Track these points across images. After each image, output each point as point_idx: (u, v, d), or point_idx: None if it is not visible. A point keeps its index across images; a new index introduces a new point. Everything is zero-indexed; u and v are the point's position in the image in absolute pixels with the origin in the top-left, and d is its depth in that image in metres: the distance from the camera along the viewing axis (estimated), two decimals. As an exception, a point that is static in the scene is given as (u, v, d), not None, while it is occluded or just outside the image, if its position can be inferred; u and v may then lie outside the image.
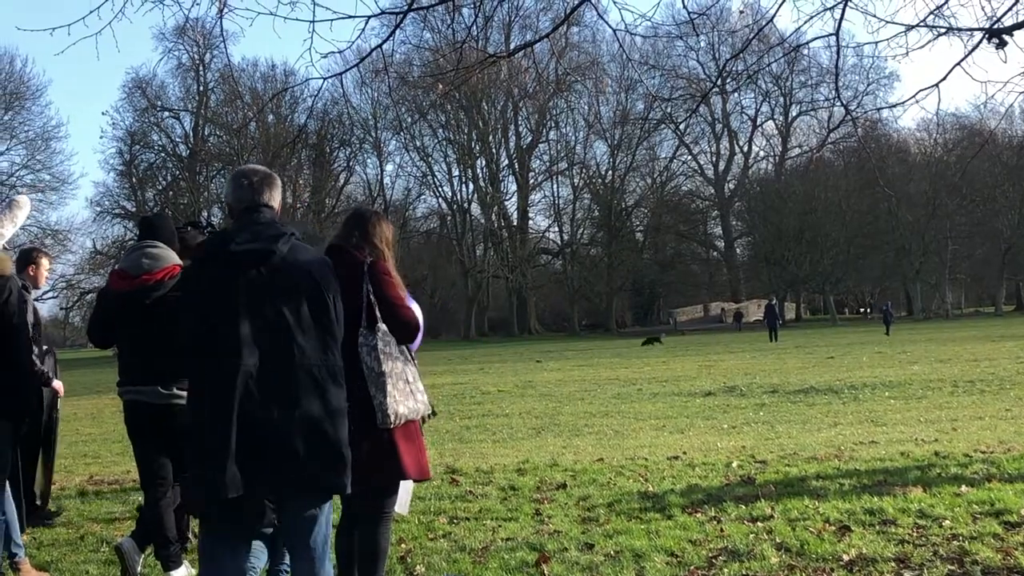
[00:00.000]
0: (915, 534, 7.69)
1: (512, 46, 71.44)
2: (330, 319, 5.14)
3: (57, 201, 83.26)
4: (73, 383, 39.77)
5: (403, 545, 8.15)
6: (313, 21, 9.34)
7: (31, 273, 9.15)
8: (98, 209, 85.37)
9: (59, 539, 9.27)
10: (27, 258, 9.44)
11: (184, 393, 7.39)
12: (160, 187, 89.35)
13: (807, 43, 12.86)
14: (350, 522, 6.36)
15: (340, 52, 10.04)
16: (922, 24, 10.63)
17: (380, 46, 9.82)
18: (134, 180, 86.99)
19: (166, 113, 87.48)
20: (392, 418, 5.87)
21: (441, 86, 12.48)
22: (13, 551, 7.87)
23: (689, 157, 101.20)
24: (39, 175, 78.42)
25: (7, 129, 77.73)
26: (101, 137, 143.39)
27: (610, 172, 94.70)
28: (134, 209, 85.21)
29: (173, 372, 7.49)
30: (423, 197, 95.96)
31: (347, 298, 5.98)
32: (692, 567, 7.13)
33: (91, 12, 8.71)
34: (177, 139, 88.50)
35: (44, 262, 9.46)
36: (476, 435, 16.25)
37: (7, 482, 7.61)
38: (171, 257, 7.72)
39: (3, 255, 7.55)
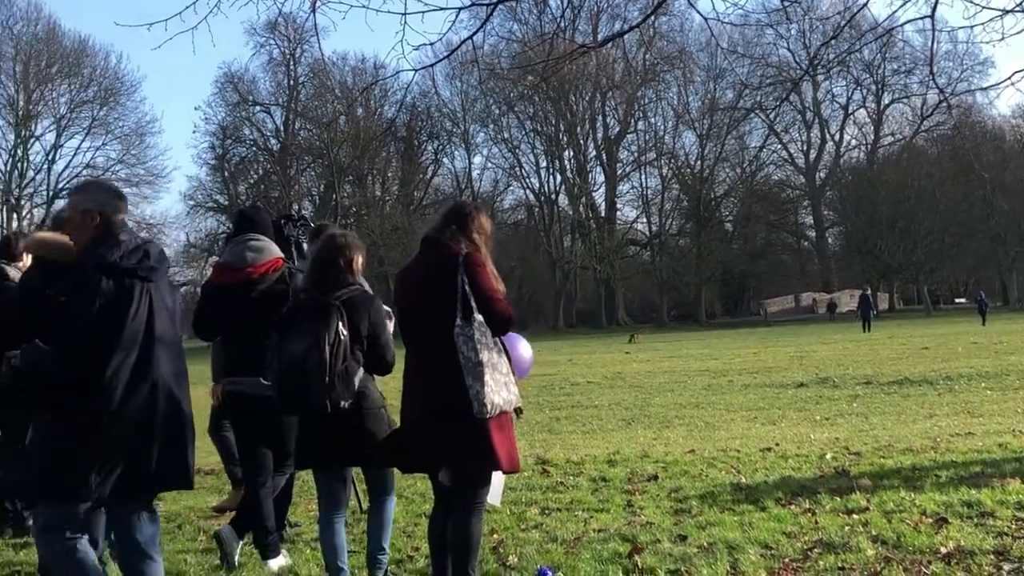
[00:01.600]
0: (1014, 527, 7.57)
1: (600, 36, 71.28)
2: None
3: (151, 195, 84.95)
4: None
5: (495, 535, 8.19)
6: (405, 14, 9.42)
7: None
8: (191, 203, 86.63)
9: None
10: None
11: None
12: (251, 181, 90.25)
13: (901, 25, 12.71)
14: (443, 512, 6.41)
15: (431, 44, 10.09)
16: (1019, 8, 10.45)
17: (471, 37, 9.86)
18: (226, 174, 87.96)
19: (257, 108, 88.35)
20: (488, 408, 5.89)
21: (530, 77, 12.50)
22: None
23: (779, 146, 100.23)
24: (134, 170, 79.68)
25: (103, 124, 79.06)
26: (194, 132, 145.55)
27: (699, 162, 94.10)
28: (226, 203, 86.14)
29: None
30: (511, 189, 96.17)
31: (441, 289, 6.04)
32: (787, 559, 7.08)
33: (187, 7, 8.84)
34: (268, 133, 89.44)
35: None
36: (566, 426, 16.27)
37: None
38: (274, 250, 7.81)
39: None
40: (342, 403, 6.39)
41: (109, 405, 5.24)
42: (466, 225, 6.29)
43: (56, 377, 5.31)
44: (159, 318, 5.39)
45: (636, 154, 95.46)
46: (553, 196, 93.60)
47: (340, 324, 6.43)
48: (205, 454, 13.39)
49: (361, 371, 6.52)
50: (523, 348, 7.78)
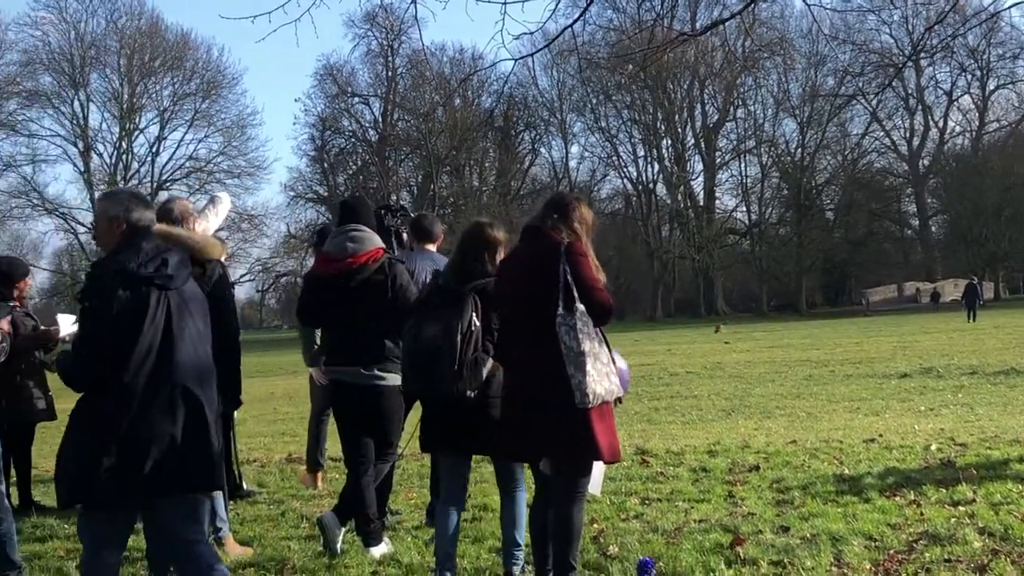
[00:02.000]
0: None
1: (700, 24, 70.75)
2: None
3: (252, 186, 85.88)
4: (270, 364, 40.82)
5: (595, 525, 8.19)
6: (505, 2, 9.44)
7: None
8: (291, 194, 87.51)
9: (261, 515, 9.55)
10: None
11: (386, 374, 7.61)
12: (350, 171, 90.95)
13: (1007, 8, 12.51)
14: (544, 501, 6.43)
15: (531, 33, 10.10)
16: None
17: (571, 26, 9.85)
18: (325, 165, 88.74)
19: (356, 99, 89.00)
20: (590, 398, 5.90)
21: (629, 66, 12.47)
22: (218, 526, 8.13)
23: (881, 133, 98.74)
24: (235, 161, 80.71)
25: (205, 117, 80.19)
26: (294, 123, 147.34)
27: (799, 150, 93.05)
28: (326, 194, 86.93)
29: (375, 353, 7.67)
30: (608, 178, 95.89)
31: (541, 278, 6.05)
32: (891, 551, 7.00)
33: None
34: (367, 124, 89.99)
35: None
36: (665, 416, 16.21)
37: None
38: (375, 240, 7.88)
39: (214, 240, 7.80)
40: (468, 392, 6.46)
41: (128, 409, 5.34)
42: (568, 215, 6.29)
43: (77, 381, 5.43)
44: (180, 324, 5.48)
45: (735, 142, 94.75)
46: (651, 185, 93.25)
47: (474, 314, 6.50)
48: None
49: (490, 361, 6.57)
50: (619, 360, 7.75)
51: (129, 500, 5.44)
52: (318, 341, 10.40)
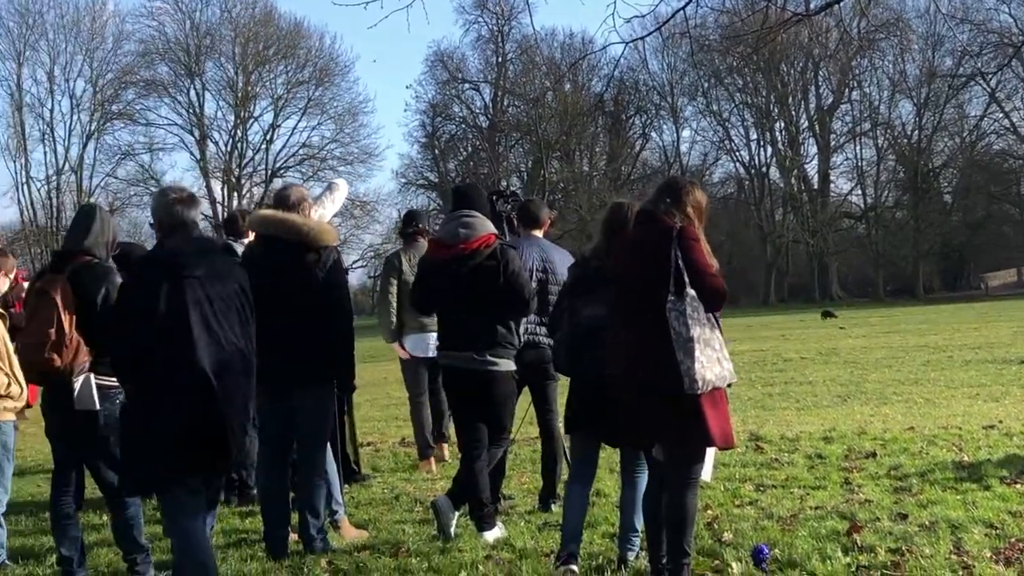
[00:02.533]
0: None
1: (813, 5, 69.78)
2: None
3: (364, 173, 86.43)
4: (382, 348, 41.10)
5: (709, 512, 8.16)
6: (618, -16, 9.42)
7: None
8: (403, 180, 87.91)
9: (375, 499, 9.67)
10: None
11: (498, 360, 7.65)
12: (461, 157, 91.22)
13: None
14: (657, 488, 6.42)
15: (642, 16, 10.07)
16: None
17: (683, 8, 9.80)
18: (436, 151, 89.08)
19: (467, 85, 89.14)
20: (700, 384, 5.87)
21: (741, 48, 12.38)
22: (334, 508, 8.25)
23: (1001, 115, 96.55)
24: (348, 148, 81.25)
25: (318, 104, 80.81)
26: (405, 110, 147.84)
27: (916, 132, 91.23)
28: (436, 180, 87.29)
29: (488, 338, 7.71)
30: (720, 162, 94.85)
31: (655, 263, 6.03)
32: (1012, 539, 6.90)
33: (405, -15, 9.00)
34: (477, 110, 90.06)
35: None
36: (779, 402, 16.06)
37: (327, 444, 7.98)
38: (487, 226, 7.92)
39: (328, 226, 7.91)
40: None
41: (147, 394, 5.72)
42: (680, 199, 6.26)
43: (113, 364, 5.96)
44: (198, 313, 5.75)
45: (850, 124, 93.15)
46: (764, 169, 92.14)
47: None
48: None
49: None
50: None
51: (147, 485, 5.99)
52: (393, 319, 10.72)
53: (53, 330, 6.48)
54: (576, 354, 6.72)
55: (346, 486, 9.22)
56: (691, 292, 5.97)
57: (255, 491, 9.17)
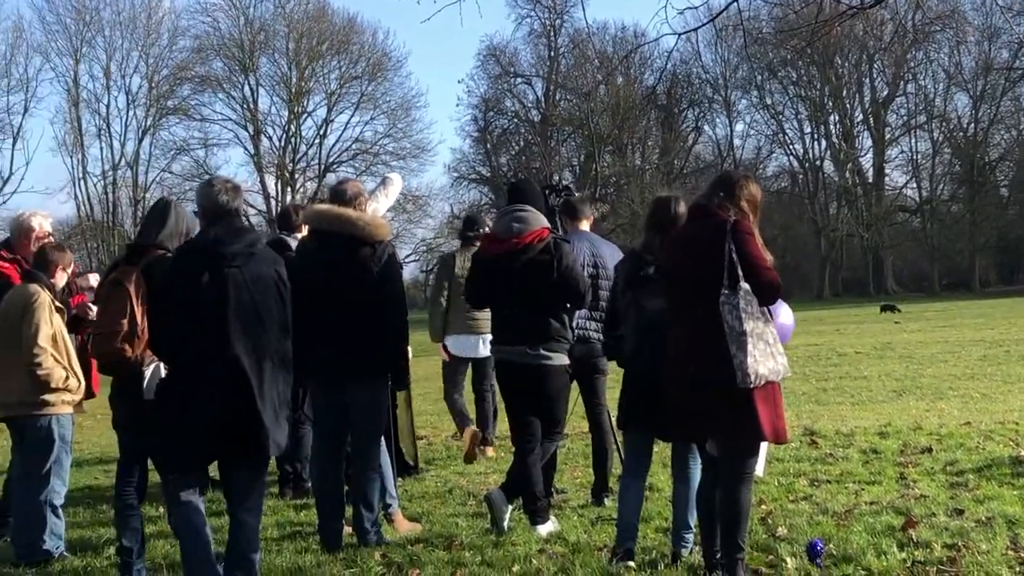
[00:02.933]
0: None
1: (866, -3, 69.23)
2: None
3: (417, 168, 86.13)
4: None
5: (763, 507, 8.13)
6: (671, -22, 9.37)
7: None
8: (455, 175, 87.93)
9: (428, 492, 9.70)
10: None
11: (551, 354, 7.65)
12: (513, 152, 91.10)
13: None
14: (711, 483, 6.40)
15: (695, 8, 10.03)
16: None
17: (736, 0, 9.74)
18: (488, 146, 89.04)
19: (519, 79, 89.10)
20: (752, 378, 5.85)
21: (795, 41, 12.31)
22: (388, 502, 8.27)
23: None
24: (400, 143, 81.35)
25: (371, 99, 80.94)
26: (457, 105, 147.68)
27: (972, 124, 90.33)
28: (488, 174, 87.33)
29: (541, 332, 7.71)
30: (774, 156, 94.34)
31: (709, 257, 6.02)
32: (1071, 536, 6.83)
33: (457, -20, 9.01)
34: (529, 104, 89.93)
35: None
36: (834, 397, 15.98)
37: (382, 438, 8.02)
38: (540, 221, 7.92)
39: (382, 221, 7.94)
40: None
41: (182, 384, 6.00)
42: (734, 193, 6.25)
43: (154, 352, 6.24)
44: (237, 301, 5.97)
45: (905, 117, 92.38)
46: (818, 162, 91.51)
47: None
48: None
49: None
50: (784, 315, 7.77)
51: (180, 465, 6.22)
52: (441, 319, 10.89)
53: (126, 321, 6.60)
54: (639, 347, 6.72)
55: (399, 479, 9.25)
56: (745, 286, 5.96)
57: (309, 484, 9.23)
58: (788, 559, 6.60)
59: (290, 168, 79.24)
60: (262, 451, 6.20)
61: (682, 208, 6.89)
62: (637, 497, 7.04)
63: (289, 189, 78.21)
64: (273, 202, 76.39)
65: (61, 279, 8.09)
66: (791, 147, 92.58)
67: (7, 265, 8.24)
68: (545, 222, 8.02)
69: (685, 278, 6.23)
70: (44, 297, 7.48)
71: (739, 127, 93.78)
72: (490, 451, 11.55)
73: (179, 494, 6.30)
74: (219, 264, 5.99)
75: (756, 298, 6.00)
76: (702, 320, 6.00)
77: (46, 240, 8.59)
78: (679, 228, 6.60)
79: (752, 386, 5.91)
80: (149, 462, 7.19)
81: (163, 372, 6.72)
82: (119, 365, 6.63)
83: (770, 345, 6.03)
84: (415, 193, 78.87)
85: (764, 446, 6.55)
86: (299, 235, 9.61)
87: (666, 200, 7.05)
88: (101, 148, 76.97)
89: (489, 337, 11.00)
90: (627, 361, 6.95)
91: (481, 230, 11.56)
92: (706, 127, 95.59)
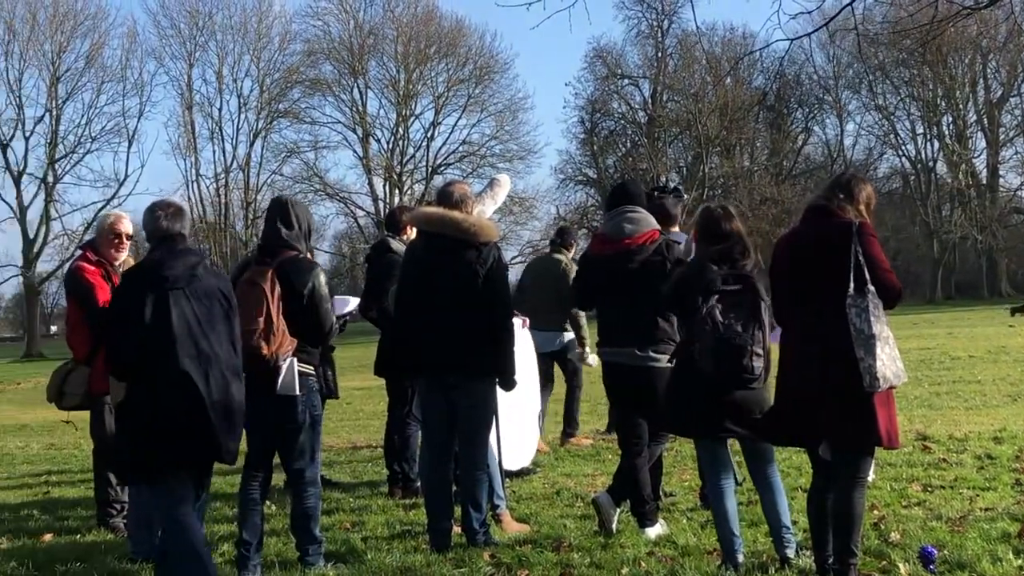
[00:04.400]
0: None
1: (981, -5, 68.07)
2: None
3: (523, 170, 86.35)
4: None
5: (876, 512, 8.03)
6: (784, -19, 9.31)
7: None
8: (561, 177, 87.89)
9: (536, 493, 9.72)
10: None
11: (660, 356, 7.60)
12: (620, 153, 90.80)
13: None
14: (823, 486, 6.34)
15: (808, 13, 9.95)
16: None
17: (850, 4, 9.63)
18: (595, 147, 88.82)
19: (626, 81, 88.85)
20: (880, 382, 5.82)
21: (907, 42, 12.15)
22: (495, 502, 8.31)
23: None
24: (507, 146, 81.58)
25: (478, 102, 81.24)
26: (564, 107, 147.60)
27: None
28: (595, 176, 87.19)
29: (650, 334, 7.68)
30: (885, 157, 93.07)
31: (832, 258, 5.97)
32: None
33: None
34: (636, 106, 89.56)
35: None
36: (947, 401, 15.71)
37: (489, 438, 8.05)
38: (651, 222, 7.91)
39: (488, 223, 7.97)
40: (755, 374, 6.49)
41: (137, 394, 6.26)
42: (854, 195, 6.23)
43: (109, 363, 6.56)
44: (182, 323, 6.15)
45: (1020, 118, 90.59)
46: (930, 164, 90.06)
47: (766, 297, 6.52)
48: (582, 423, 13.62)
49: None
50: None
51: (139, 475, 6.47)
52: None
53: (262, 319, 6.84)
54: (717, 363, 6.61)
55: (507, 480, 9.28)
56: (871, 288, 5.92)
57: (418, 484, 9.30)
58: (901, 565, 6.52)
59: (398, 170, 79.76)
60: (216, 460, 6.41)
61: (732, 219, 6.94)
62: (728, 498, 6.93)
63: (397, 191, 78.75)
64: (381, 204, 77.00)
65: None
66: (903, 148, 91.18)
67: (92, 269, 8.38)
68: (655, 223, 8.01)
69: (801, 280, 6.18)
70: None
71: (850, 127, 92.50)
72: (581, 440, 12.22)
73: (170, 512, 6.39)
74: (161, 286, 6.21)
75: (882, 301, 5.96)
76: (827, 323, 5.96)
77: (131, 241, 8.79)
78: (794, 228, 6.55)
79: (879, 390, 5.88)
80: (276, 458, 7.38)
81: (297, 368, 6.90)
82: (255, 361, 6.79)
83: (893, 349, 5.99)
84: (521, 195, 78.97)
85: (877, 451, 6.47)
86: (404, 236, 9.73)
87: (711, 211, 7.02)
88: (213, 151, 78.53)
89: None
90: (707, 373, 6.74)
91: (571, 243, 13.13)
92: (816, 128, 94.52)
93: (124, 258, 8.53)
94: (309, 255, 7.53)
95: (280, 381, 6.95)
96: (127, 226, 8.72)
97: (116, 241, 8.53)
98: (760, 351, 6.52)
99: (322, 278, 7.28)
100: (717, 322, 6.56)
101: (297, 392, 7.07)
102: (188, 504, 6.41)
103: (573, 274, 11.70)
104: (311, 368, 7.26)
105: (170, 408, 6.15)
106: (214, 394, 6.18)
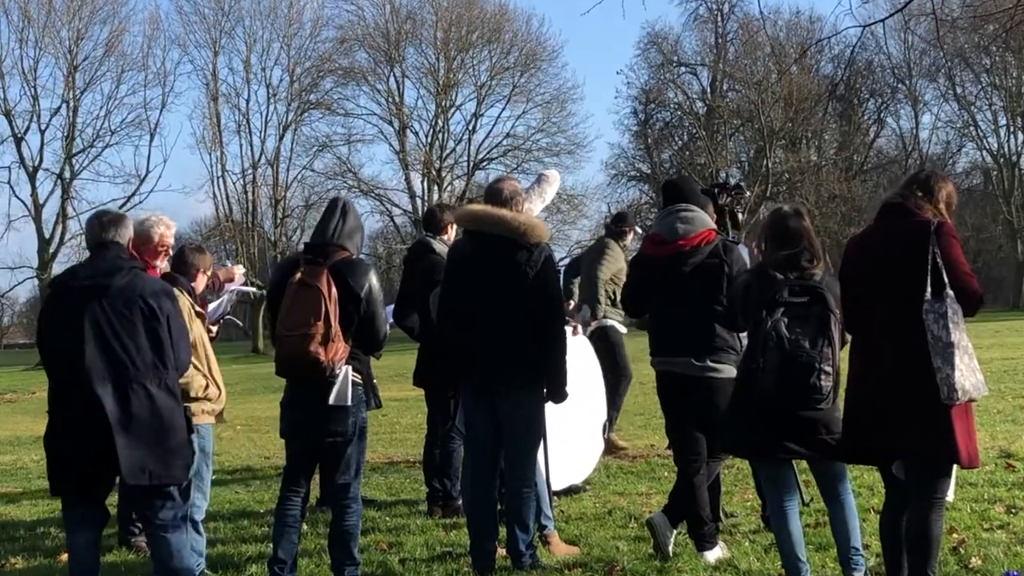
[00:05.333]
0: None
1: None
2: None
3: (572, 165, 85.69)
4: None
5: (955, 535, 7.99)
6: (854, -36, 9.31)
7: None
8: (612, 172, 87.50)
9: (587, 513, 9.72)
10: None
11: (720, 366, 7.57)
12: (676, 147, 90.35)
13: None
14: (897, 507, 6.31)
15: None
16: None
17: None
18: (648, 140, 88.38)
19: (682, 68, 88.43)
20: (959, 394, 5.78)
21: (990, 27, 12.07)
22: (543, 523, 8.32)
23: None
24: (554, 138, 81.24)
25: (523, 92, 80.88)
26: (616, 97, 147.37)
27: None
28: (649, 171, 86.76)
29: (707, 343, 7.65)
30: (964, 150, 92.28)
31: (909, 260, 5.94)
32: None
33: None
34: (694, 95, 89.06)
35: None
36: (1033, 416, 15.59)
37: (537, 453, 8.06)
38: (706, 221, 7.89)
39: (538, 221, 7.98)
40: (824, 394, 6.46)
41: (54, 407, 6.66)
42: (933, 193, 6.21)
43: None
44: (95, 333, 6.39)
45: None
46: (1014, 158, 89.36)
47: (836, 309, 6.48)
48: (632, 436, 13.61)
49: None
50: None
51: (58, 490, 6.78)
52: None
53: (321, 323, 6.90)
54: (780, 382, 6.53)
55: (556, 498, 9.28)
56: (950, 293, 5.89)
57: (460, 502, 9.32)
58: (982, 593, 6.49)
59: (437, 165, 79.64)
60: (118, 477, 6.56)
61: (802, 222, 6.88)
62: (791, 520, 6.88)
63: (436, 187, 78.65)
64: (419, 201, 76.98)
65: (201, 283, 8.35)
66: (984, 141, 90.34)
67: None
68: (711, 223, 7.99)
69: (874, 283, 6.16)
70: (184, 301, 7.68)
71: (926, 119, 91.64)
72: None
73: (70, 529, 6.83)
74: (78, 298, 6.46)
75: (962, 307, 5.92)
76: (895, 329, 5.94)
77: (186, 243, 8.82)
78: (868, 228, 6.51)
79: (957, 402, 5.85)
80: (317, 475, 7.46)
81: (352, 378, 6.95)
82: (311, 368, 6.88)
83: (972, 358, 5.96)
84: (570, 192, 78.71)
85: (953, 469, 6.42)
86: (446, 237, 9.76)
87: (780, 212, 6.97)
88: (240, 145, 78.34)
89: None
90: (769, 393, 6.61)
91: (626, 229, 12.75)
92: (889, 119, 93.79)
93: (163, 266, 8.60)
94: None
95: (335, 391, 7.00)
96: (167, 236, 8.77)
97: (147, 249, 8.57)
98: (829, 369, 6.44)
99: (376, 281, 7.34)
100: (783, 337, 6.47)
101: (349, 402, 7.12)
102: (88, 528, 6.72)
103: (610, 261, 11.81)
104: (360, 377, 7.30)
105: (67, 420, 6.47)
106: (131, 412, 6.36)
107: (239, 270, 9.97)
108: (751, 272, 7.19)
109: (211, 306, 8.94)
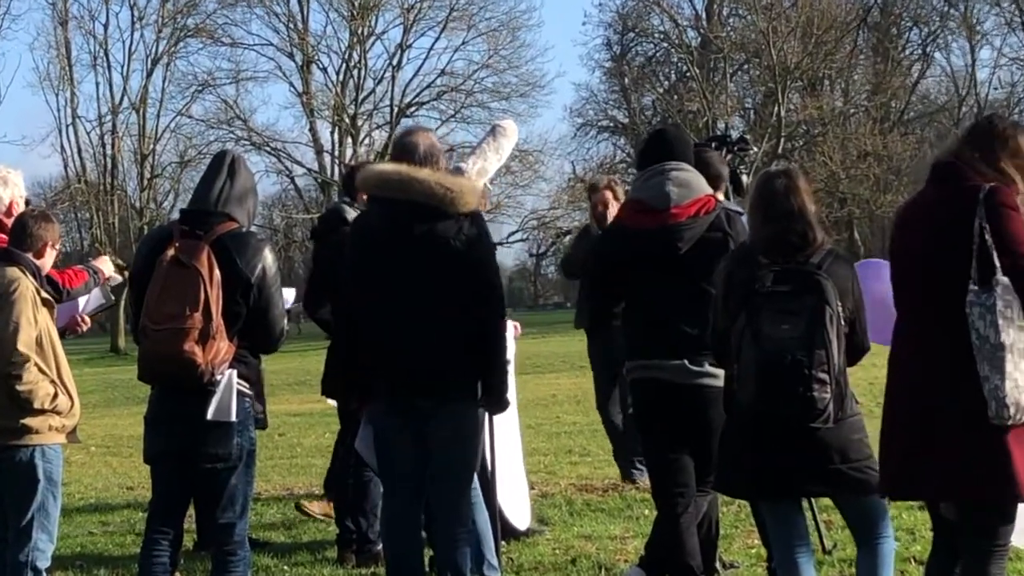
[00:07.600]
0: None
1: None
2: None
3: (526, 112, 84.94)
4: (549, 356, 40.90)
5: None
6: None
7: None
8: (579, 121, 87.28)
9: (543, 561, 9.74)
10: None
11: (718, 371, 7.42)
12: (660, 89, 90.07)
13: None
14: (947, 556, 6.31)
15: None
16: None
17: None
18: (626, 81, 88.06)
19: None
20: (1011, 410, 5.72)
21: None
22: (485, 573, 8.31)
23: None
24: (503, 76, 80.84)
25: (463, 16, 79.95)
26: (584, 23, 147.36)
27: None
28: (626, 120, 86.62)
29: (706, 342, 7.48)
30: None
31: (951, 237, 5.90)
32: None
33: None
34: (685, 23, 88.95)
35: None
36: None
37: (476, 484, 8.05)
38: (703, 185, 7.81)
39: (472, 184, 7.88)
40: (828, 415, 6.39)
41: None
42: (993, 148, 6.08)
43: None
44: None
45: None
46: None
47: (837, 303, 6.40)
48: (604, 463, 13.69)
49: None
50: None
51: None
52: None
53: (199, 314, 6.72)
54: (762, 392, 6.42)
55: (503, 543, 9.29)
56: (1003, 280, 5.78)
57: (378, 547, 9.32)
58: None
59: (351, 112, 78.95)
60: None
61: (794, 185, 6.75)
62: (805, 573, 6.89)
63: (350, 140, 78.11)
64: (328, 158, 76.56)
65: (50, 258, 8.13)
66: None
67: None
68: (708, 187, 7.95)
69: (918, 269, 6.15)
70: (26, 285, 7.53)
71: (985, 54, 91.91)
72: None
73: None
74: None
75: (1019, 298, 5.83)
76: (938, 327, 5.94)
77: (26, 209, 8.59)
78: (919, 193, 6.43)
79: (1009, 422, 5.78)
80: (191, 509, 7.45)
81: (236, 385, 6.84)
82: (184, 372, 6.75)
83: (1035, 364, 5.92)
84: (524, 147, 78.24)
85: (1021, 508, 6.42)
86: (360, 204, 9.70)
87: (767, 175, 6.92)
88: (97, 83, 77.24)
89: None
90: (748, 407, 6.55)
91: None
92: (937, 55, 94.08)
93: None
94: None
95: (215, 402, 6.82)
96: (16, 193, 8.66)
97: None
98: (825, 376, 6.25)
99: (273, 260, 7.19)
100: (762, 335, 6.38)
101: (234, 418, 6.97)
102: None
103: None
104: (248, 386, 7.15)
105: None
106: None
107: (106, 264, 9.63)
108: (731, 257, 7.10)
109: (84, 299, 8.84)
